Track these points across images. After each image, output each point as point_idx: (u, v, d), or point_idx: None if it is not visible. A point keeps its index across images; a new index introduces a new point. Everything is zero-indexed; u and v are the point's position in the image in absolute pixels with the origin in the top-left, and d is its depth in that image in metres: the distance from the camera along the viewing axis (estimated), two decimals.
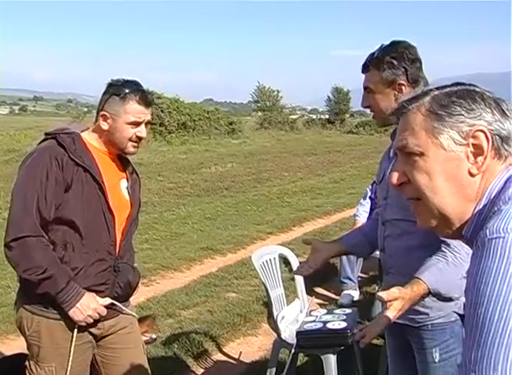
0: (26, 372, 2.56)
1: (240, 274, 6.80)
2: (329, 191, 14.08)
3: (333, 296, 6.17)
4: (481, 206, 1.20)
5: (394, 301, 2.10)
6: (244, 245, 8.33)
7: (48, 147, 2.45)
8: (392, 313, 2.09)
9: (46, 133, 2.54)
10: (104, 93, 2.52)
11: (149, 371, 2.77)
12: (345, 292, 5.96)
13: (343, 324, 3.62)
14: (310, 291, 5.62)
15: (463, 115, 1.22)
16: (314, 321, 3.74)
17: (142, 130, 2.53)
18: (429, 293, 2.13)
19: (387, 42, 2.42)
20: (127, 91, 2.47)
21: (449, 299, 2.23)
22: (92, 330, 2.53)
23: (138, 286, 2.84)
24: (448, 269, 2.13)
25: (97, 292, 2.48)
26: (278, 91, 45.62)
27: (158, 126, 24.60)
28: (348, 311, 3.93)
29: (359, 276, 6.29)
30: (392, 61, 2.34)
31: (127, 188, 2.64)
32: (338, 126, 44.08)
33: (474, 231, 1.19)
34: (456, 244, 2.11)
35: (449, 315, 2.27)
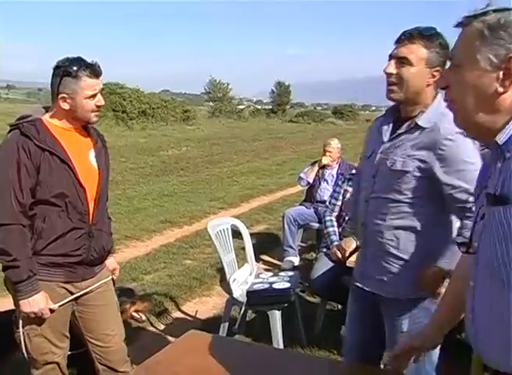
0: (14, 326, 2.55)
1: (195, 244, 6.82)
2: (273, 172, 14.17)
3: (277, 262, 6.24)
4: None
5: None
6: (198, 218, 8.33)
7: (13, 138, 2.35)
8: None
9: (10, 125, 2.43)
10: (55, 76, 2.39)
11: (122, 325, 2.78)
12: (287, 259, 6.04)
13: (287, 285, 3.69)
14: (256, 259, 5.69)
15: (504, 39, 1.20)
16: (261, 282, 3.80)
17: (100, 99, 2.45)
18: (446, 273, 2.06)
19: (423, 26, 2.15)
20: (76, 68, 2.35)
21: None
22: (72, 289, 2.51)
23: (113, 250, 2.83)
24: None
25: (75, 257, 2.46)
26: (228, 84, 45.38)
27: (120, 113, 24.23)
28: (291, 273, 4.00)
29: (299, 245, 6.38)
30: (440, 46, 2.12)
31: (95, 157, 2.56)
32: (280, 115, 44.36)
33: (511, 137, 1.21)
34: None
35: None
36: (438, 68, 2.12)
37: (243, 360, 2.03)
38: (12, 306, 2.56)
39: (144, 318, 3.23)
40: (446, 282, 2.14)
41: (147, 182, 11.47)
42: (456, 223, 2.20)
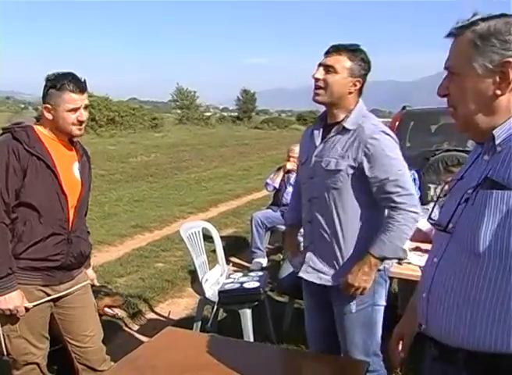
0: None
1: (166, 247, 6.85)
2: (240, 177, 14.25)
3: (246, 264, 6.32)
4: None
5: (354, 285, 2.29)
6: (168, 223, 8.36)
7: (5, 141, 2.41)
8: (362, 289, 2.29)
9: (3, 128, 2.49)
10: (44, 88, 2.48)
11: (100, 326, 2.81)
12: (255, 260, 6.13)
13: (257, 284, 3.77)
14: (226, 261, 5.73)
15: (496, 46, 1.26)
16: (232, 282, 3.86)
17: (82, 114, 2.50)
18: (378, 259, 2.28)
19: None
20: (62, 82, 2.43)
21: (399, 259, 2.42)
22: (50, 292, 2.54)
23: (91, 255, 2.86)
24: (390, 238, 2.25)
25: (53, 261, 2.49)
26: (194, 92, 45.31)
27: (89, 120, 23.97)
28: (260, 273, 4.07)
29: (266, 247, 6.46)
30: (362, 60, 2.34)
31: (79, 169, 2.62)
32: (246, 122, 44.52)
33: (509, 133, 1.28)
34: (400, 217, 2.25)
35: None
36: (359, 79, 2.36)
37: (218, 353, 2.10)
38: None
39: (120, 314, 3.24)
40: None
41: (118, 188, 11.43)
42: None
